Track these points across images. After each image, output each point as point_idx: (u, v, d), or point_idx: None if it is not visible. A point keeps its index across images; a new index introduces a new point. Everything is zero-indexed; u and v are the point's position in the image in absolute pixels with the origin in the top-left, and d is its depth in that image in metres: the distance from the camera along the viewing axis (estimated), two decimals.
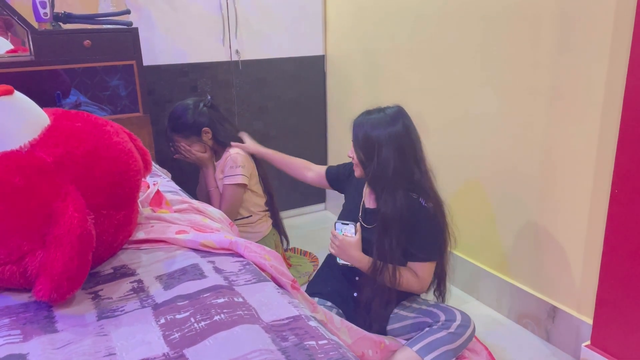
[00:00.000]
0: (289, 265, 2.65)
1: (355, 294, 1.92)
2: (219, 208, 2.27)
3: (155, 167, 2.13)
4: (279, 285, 1.25)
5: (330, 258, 2.06)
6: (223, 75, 2.95)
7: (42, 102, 1.23)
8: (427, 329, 1.78)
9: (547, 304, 2.04)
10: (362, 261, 1.80)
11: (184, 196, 1.73)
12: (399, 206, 1.70)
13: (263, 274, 1.20)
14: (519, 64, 1.99)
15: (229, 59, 2.94)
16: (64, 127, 1.16)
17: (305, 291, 1.93)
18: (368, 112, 1.80)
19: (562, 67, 1.84)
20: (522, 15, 1.95)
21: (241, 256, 1.29)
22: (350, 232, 1.80)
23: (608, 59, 1.69)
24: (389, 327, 1.89)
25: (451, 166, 2.41)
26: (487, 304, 2.32)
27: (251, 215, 2.40)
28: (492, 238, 2.26)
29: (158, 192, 1.52)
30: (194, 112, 2.30)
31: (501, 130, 2.12)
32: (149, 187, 1.54)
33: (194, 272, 1.15)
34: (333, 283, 1.96)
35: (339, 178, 2.06)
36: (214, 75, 2.93)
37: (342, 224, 1.81)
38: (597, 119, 1.76)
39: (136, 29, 2.18)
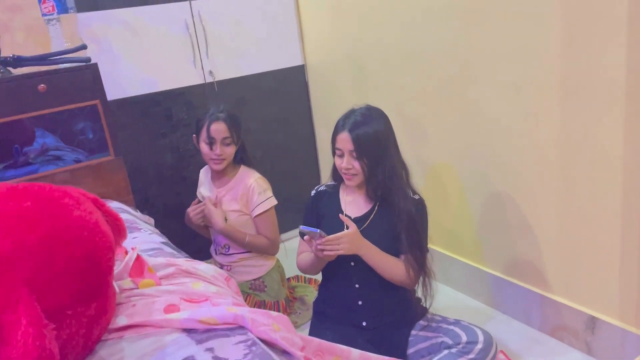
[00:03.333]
0: (294, 299, 2.44)
1: (364, 323, 1.76)
2: (266, 239, 2.15)
3: (133, 215, 1.91)
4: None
5: (320, 306, 1.90)
6: (198, 99, 2.73)
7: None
8: (445, 351, 1.69)
9: (584, 314, 1.85)
10: (371, 247, 1.70)
11: (169, 253, 1.51)
12: (411, 200, 1.72)
13: (271, 354, 0.99)
14: (523, 59, 1.80)
15: (203, 81, 2.73)
16: (10, 210, 0.94)
17: None
18: (347, 117, 1.71)
19: (573, 60, 1.65)
20: (524, 7, 1.76)
21: (246, 330, 1.08)
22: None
23: (626, 47, 1.50)
24: (409, 351, 1.78)
25: (456, 175, 2.22)
26: (516, 318, 2.12)
27: None
28: (517, 247, 2.07)
29: (138, 257, 1.30)
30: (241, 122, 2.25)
31: (507, 132, 1.93)
32: (126, 253, 1.32)
33: None
34: (330, 329, 1.78)
35: (313, 226, 1.86)
36: (189, 101, 2.71)
37: (316, 229, 1.63)
38: (620, 113, 1.57)
39: (95, 65, 1.96)
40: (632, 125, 1.55)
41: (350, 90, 2.73)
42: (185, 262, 1.37)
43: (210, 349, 1.00)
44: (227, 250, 2.22)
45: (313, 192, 1.88)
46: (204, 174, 2.33)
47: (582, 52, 1.63)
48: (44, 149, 2.27)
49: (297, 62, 2.99)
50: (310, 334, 1.85)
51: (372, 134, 1.65)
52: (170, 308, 1.12)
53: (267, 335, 1.09)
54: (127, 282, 1.24)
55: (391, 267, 1.73)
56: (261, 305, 2.22)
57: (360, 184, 1.74)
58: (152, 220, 2.05)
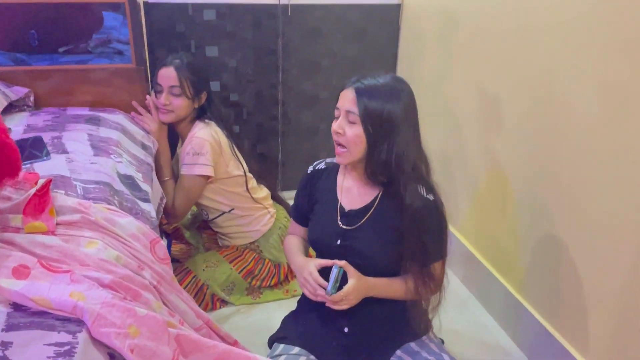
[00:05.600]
0: None
1: (346, 329, 1.45)
2: (172, 200, 1.87)
3: (128, 133, 1.73)
4: None
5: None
6: (268, 22, 2.43)
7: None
8: None
9: None
10: (378, 284, 1.37)
11: (114, 191, 1.30)
12: (422, 199, 1.34)
13: None
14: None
15: (277, 2, 2.41)
16: None
17: (271, 336, 1.49)
18: (363, 77, 1.32)
19: None
20: None
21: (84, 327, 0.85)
22: (332, 283, 1.29)
23: None
24: None
25: (521, 180, 1.74)
26: None
27: (233, 209, 1.95)
28: (569, 297, 1.60)
29: (46, 193, 1.10)
30: (208, 75, 1.98)
31: (594, 139, 1.42)
32: (36, 183, 1.13)
33: None
34: (308, 322, 1.49)
35: (304, 210, 1.52)
36: (257, 21, 2.42)
37: (332, 287, 1.30)
38: None
39: None
40: None
41: (438, 44, 2.26)
42: (102, 211, 1.15)
43: (7, 344, 0.78)
44: (206, 214, 2.03)
45: (310, 169, 1.54)
46: None
47: None
48: (106, 40, 2.16)
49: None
50: (287, 318, 1.60)
51: (380, 104, 1.27)
52: (19, 270, 0.92)
53: (110, 340, 0.85)
54: (17, 219, 1.06)
55: (402, 292, 1.41)
56: (259, 262, 1.99)
57: (358, 166, 1.38)
58: (156, 145, 1.86)
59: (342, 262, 1.31)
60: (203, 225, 2.21)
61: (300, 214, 1.53)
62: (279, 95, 2.58)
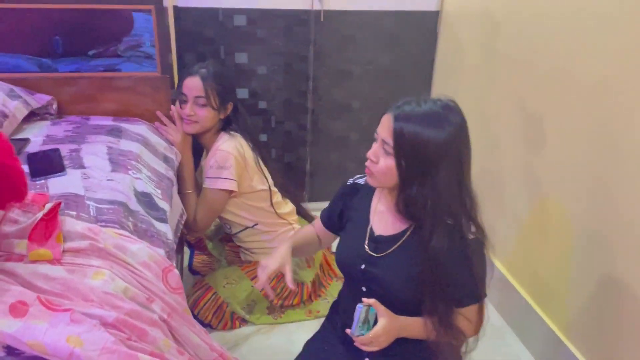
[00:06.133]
0: (331, 280, 2.09)
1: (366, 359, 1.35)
2: (194, 214, 1.81)
3: (149, 145, 1.67)
4: None
5: (328, 320, 1.51)
6: (299, 28, 2.34)
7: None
8: None
9: None
10: (409, 325, 1.25)
11: (128, 211, 1.23)
12: (450, 241, 1.19)
13: None
14: None
15: (309, 7, 2.32)
16: None
17: None
18: (407, 102, 1.19)
19: None
20: None
21: None
22: (357, 323, 1.18)
23: None
24: None
25: (567, 204, 1.61)
26: None
27: (257, 224, 1.87)
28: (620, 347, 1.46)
29: (54, 217, 1.04)
30: (234, 85, 1.95)
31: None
32: (44, 206, 1.06)
33: None
34: (330, 348, 1.41)
35: (333, 216, 1.45)
36: (288, 27, 2.34)
37: (357, 328, 1.19)
38: None
39: None
40: None
41: (480, 54, 2.13)
42: (112, 237, 1.08)
43: None
44: (229, 228, 1.97)
45: (350, 181, 1.46)
46: None
47: None
48: (136, 44, 2.11)
49: (431, 6, 2.42)
50: (309, 342, 1.51)
51: (419, 131, 1.15)
52: (17, 306, 0.85)
53: None
54: (21, 245, 1.00)
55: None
56: (282, 280, 1.91)
57: (392, 192, 1.28)
58: (179, 157, 1.79)
59: (372, 301, 1.20)
60: (226, 237, 2.14)
61: (329, 216, 1.47)
62: (308, 104, 2.49)
